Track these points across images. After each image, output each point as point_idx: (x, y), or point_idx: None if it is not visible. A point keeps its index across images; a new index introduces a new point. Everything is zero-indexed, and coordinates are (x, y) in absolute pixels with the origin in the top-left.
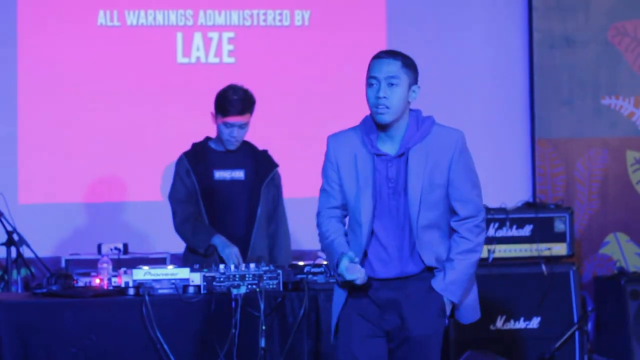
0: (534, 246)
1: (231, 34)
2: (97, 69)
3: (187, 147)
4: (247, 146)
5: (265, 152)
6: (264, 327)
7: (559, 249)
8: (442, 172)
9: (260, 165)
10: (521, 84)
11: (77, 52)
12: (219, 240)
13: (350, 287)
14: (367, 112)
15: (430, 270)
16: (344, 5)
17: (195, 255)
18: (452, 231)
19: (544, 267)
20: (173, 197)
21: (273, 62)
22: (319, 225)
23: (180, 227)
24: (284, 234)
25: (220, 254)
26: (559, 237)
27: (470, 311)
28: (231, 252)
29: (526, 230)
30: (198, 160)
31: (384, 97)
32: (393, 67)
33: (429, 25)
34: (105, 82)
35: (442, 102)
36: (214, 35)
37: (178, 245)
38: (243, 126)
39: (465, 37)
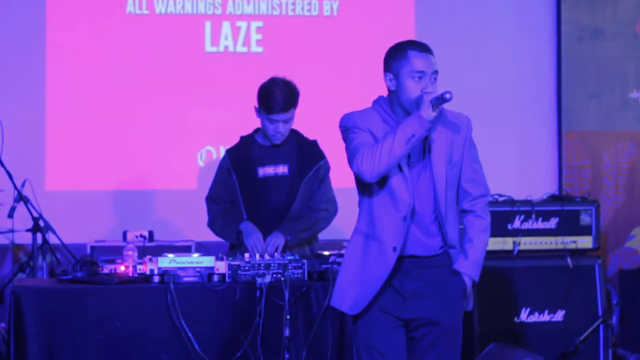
0: (560, 239)
1: (259, 24)
2: (126, 56)
3: (213, 136)
4: (294, 137)
5: (313, 143)
6: (288, 317)
7: (585, 242)
8: (458, 151)
9: (305, 159)
10: (549, 76)
11: (105, 40)
12: (244, 226)
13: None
14: None
15: (446, 252)
16: None
17: (236, 247)
18: (461, 213)
19: (569, 260)
20: (209, 197)
21: (301, 52)
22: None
23: (213, 224)
24: (306, 213)
25: (244, 240)
26: (585, 230)
27: (471, 299)
28: (251, 238)
29: (552, 223)
30: (241, 157)
31: (429, 91)
32: (434, 62)
33: (458, 15)
34: (134, 70)
35: (469, 92)
36: (243, 24)
37: (203, 234)
38: (288, 120)
39: (494, 28)
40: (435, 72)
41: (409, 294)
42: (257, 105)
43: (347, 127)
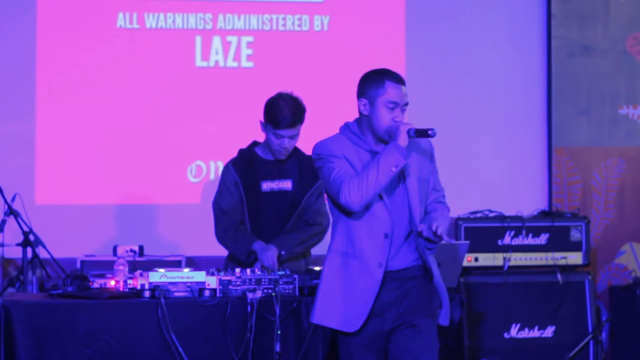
0: (550, 255)
1: (250, 38)
2: (116, 71)
3: (204, 150)
4: (295, 153)
5: (312, 158)
6: (279, 332)
7: (575, 257)
8: (426, 169)
9: (307, 175)
10: (539, 92)
11: (96, 54)
12: (259, 246)
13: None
14: None
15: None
16: (363, 11)
17: (236, 262)
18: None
19: (559, 276)
20: (217, 205)
21: (291, 67)
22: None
23: (222, 236)
24: (301, 227)
25: (259, 257)
26: (575, 246)
27: (447, 314)
28: (267, 254)
29: (542, 239)
30: (246, 170)
31: (400, 121)
32: (406, 94)
33: (448, 31)
34: (124, 85)
35: (459, 108)
36: (233, 39)
37: (194, 249)
38: (294, 137)
39: (484, 44)
40: (406, 104)
41: (385, 307)
42: (262, 120)
43: (322, 156)
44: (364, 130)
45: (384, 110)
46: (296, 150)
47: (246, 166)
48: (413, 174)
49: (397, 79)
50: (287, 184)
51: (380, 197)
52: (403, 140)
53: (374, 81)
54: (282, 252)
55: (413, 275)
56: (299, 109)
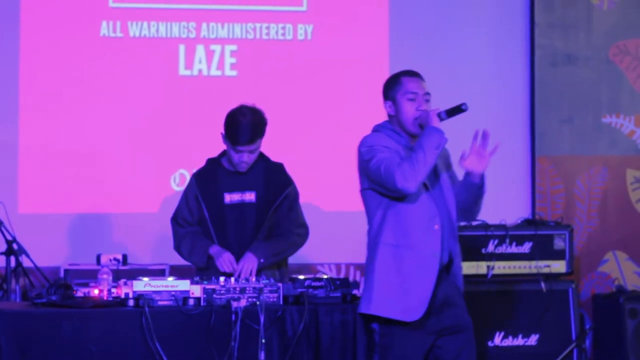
0: (533, 263)
1: (234, 47)
2: (99, 80)
3: (187, 159)
4: (262, 162)
5: (280, 167)
6: (263, 341)
7: (558, 266)
8: (449, 169)
9: (273, 186)
10: (522, 101)
11: (80, 63)
12: (214, 250)
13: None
14: (369, 122)
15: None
16: (347, 20)
17: (203, 270)
18: None
19: (542, 285)
20: (175, 220)
21: (275, 76)
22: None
23: (179, 247)
24: (279, 235)
25: (216, 263)
26: (558, 255)
27: None
28: (223, 258)
29: (525, 247)
30: (208, 182)
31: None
32: (426, 86)
33: (431, 40)
34: (107, 94)
35: None
36: (217, 47)
37: (177, 257)
38: (254, 151)
39: (467, 52)
40: (427, 93)
41: (439, 304)
42: (223, 132)
43: (374, 146)
44: (397, 128)
45: (406, 103)
46: (262, 157)
47: (209, 177)
48: (445, 174)
49: (413, 73)
50: (250, 196)
51: (427, 188)
52: (436, 122)
53: (391, 81)
54: (262, 260)
55: (455, 272)
56: (259, 124)
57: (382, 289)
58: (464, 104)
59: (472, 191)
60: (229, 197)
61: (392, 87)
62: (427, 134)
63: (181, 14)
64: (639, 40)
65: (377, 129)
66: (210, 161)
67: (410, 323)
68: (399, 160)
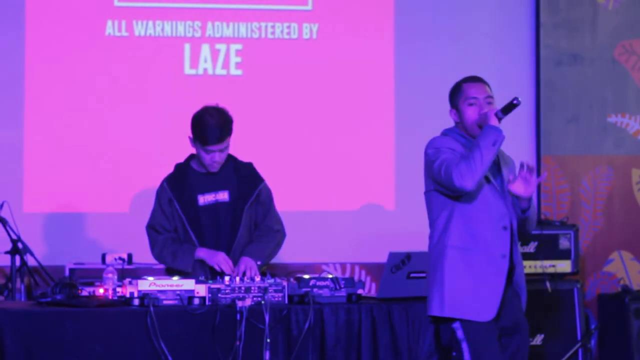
0: (539, 263)
1: (239, 46)
2: (105, 79)
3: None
4: (230, 162)
5: (249, 166)
6: (268, 340)
7: (564, 266)
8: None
9: (244, 184)
10: (527, 100)
11: (85, 62)
12: (203, 253)
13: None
14: (374, 121)
15: None
16: (352, 19)
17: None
18: None
19: (548, 284)
20: (152, 228)
21: (280, 75)
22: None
23: (160, 255)
24: (265, 236)
25: (209, 264)
26: (564, 254)
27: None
28: (219, 259)
29: (531, 247)
30: (181, 186)
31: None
32: (488, 89)
33: (437, 39)
34: (113, 93)
35: (447, 116)
36: (222, 47)
37: None
38: (224, 150)
39: (473, 52)
40: (489, 97)
41: (502, 303)
42: (191, 136)
43: (439, 147)
44: (463, 134)
45: (468, 109)
46: (231, 158)
47: (180, 181)
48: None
49: (473, 79)
50: (224, 195)
51: (495, 187)
52: (493, 121)
53: (454, 90)
54: (259, 262)
55: (519, 272)
56: (226, 123)
57: (453, 291)
58: (515, 98)
59: (517, 214)
60: (203, 199)
61: (454, 95)
62: (484, 132)
63: (186, 13)
64: None
65: (445, 132)
66: (179, 166)
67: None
68: (455, 160)
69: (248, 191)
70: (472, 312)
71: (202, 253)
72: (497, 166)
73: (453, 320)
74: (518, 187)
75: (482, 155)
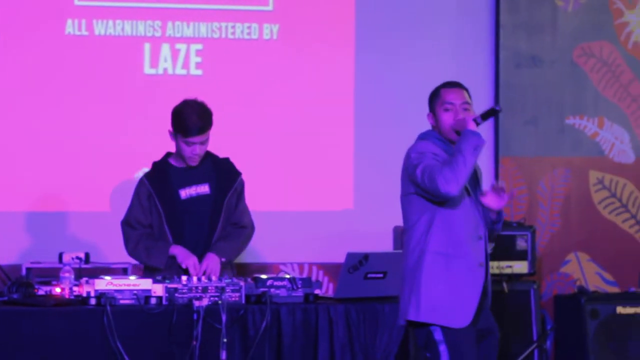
0: (496, 264)
1: (199, 46)
2: (64, 78)
3: (151, 158)
4: (208, 157)
5: (227, 160)
6: (225, 340)
7: (520, 267)
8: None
9: (224, 177)
10: (486, 102)
11: (44, 61)
12: (177, 250)
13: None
14: (333, 121)
15: None
16: (313, 20)
17: (154, 270)
18: None
19: (504, 285)
20: (127, 223)
21: (240, 75)
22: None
23: (134, 251)
24: (233, 232)
25: (181, 264)
26: (521, 255)
27: None
28: (188, 263)
29: (488, 248)
30: (161, 181)
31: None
32: (466, 95)
33: (397, 40)
34: (72, 91)
35: (406, 117)
36: (182, 46)
37: None
38: (204, 142)
39: (433, 53)
40: (466, 102)
41: (478, 308)
42: (171, 129)
43: (423, 152)
44: (440, 137)
45: (444, 114)
46: (209, 154)
47: (161, 177)
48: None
49: (451, 84)
50: (205, 188)
51: (469, 194)
52: (472, 126)
53: (432, 95)
54: (223, 259)
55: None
56: (207, 115)
57: (430, 296)
58: (497, 104)
59: (487, 225)
60: (184, 193)
61: (432, 100)
62: (464, 137)
63: (147, 13)
64: (604, 42)
65: (423, 136)
66: (156, 163)
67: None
68: (441, 165)
69: (227, 183)
70: (448, 318)
71: (176, 250)
72: (473, 174)
73: (428, 325)
74: (490, 200)
75: (465, 161)
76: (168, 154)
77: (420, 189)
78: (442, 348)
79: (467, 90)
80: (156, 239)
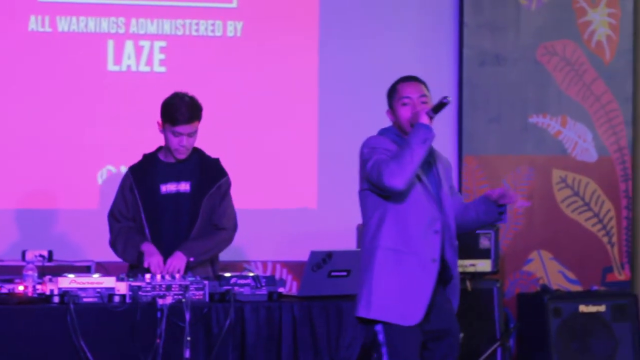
0: (459, 262)
1: (163, 43)
2: (27, 74)
3: (114, 155)
4: (197, 155)
5: (216, 161)
6: (189, 338)
7: (484, 265)
8: (450, 178)
9: (207, 176)
10: (451, 101)
11: (7, 57)
12: (146, 248)
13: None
14: (297, 119)
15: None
16: (277, 17)
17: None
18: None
19: (468, 283)
20: (112, 215)
21: (204, 72)
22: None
23: (113, 244)
24: (208, 233)
25: (144, 262)
26: (484, 254)
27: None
28: (152, 261)
29: None
30: (144, 174)
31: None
32: (423, 88)
33: (361, 38)
34: (35, 88)
35: (370, 114)
36: (146, 43)
37: (103, 254)
38: (192, 134)
39: (396, 51)
40: (423, 95)
41: (431, 305)
42: (160, 121)
43: (376, 147)
44: (399, 134)
45: (401, 108)
46: (198, 151)
47: (145, 170)
48: (444, 181)
49: (408, 78)
50: (185, 186)
51: (429, 190)
52: (424, 119)
53: (389, 91)
54: (191, 259)
55: (454, 275)
56: (196, 107)
57: (381, 293)
58: (445, 97)
59: (493, 217)
60: (165, 188)
61: (390, 96)
62: (414, 130)
63: (110, 9)
64: (567, 41)
65: (382, 132)
66: (146, 155)
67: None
68: (388, 159)
69: (208, 183)
70: (397, 315)
71: (145, 247)
72: (429, 166)
73: (376, 322)
74: (496, 195)
75: (412, 154)
76: (159, 148)
77: (371, 184)
78: (384, 350)
79: (424, 83)
80: (136, 233)
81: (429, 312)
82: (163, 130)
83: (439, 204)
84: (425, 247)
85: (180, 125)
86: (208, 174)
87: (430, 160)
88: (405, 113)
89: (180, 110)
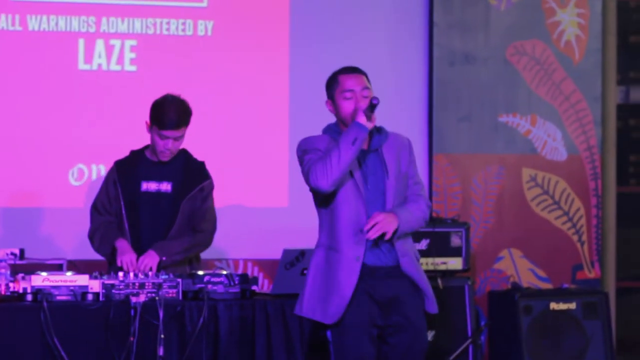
0: (431, 260)
1: (133, 42)
2: None
3: (85, 154)
4: (182, 156)
5: (201, 164)
6: (162, 336)
7: (455, 263)
8: (404, 166)
9: (190, 178)
10: (420, 99)
11: None
12: (119, 244)
13: None
14: (268, 119)
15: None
16: (248, 17)
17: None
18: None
19: (439, 281)
20: (93, 207)
21: (175, 71)
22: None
23: (91, 237)
24: (184, 234)
25: (116, 258)
26: (455, 252)
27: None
28: (123, 259)
29: (422, 244)
30: (129, 169)
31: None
32: (365, 81)
33: (331, 37)
34: (4, 87)
35: None
36: (117, 42)
37: (74, 252)
38: (178, 138)
39: (366, 50)
40: (366, 88)
41: (384, 302)
42: (148, 121)
43: (307, 149)
44: (340, 130)
45: (343, 102)
46: (184, 152)
47: (130, 165)
48: (391, 168)
49: (350, 69)
50: (166, 187)
51: (359, 189)
52: (359, 118)
53: (329, 81)
54: (163, 258)
55: (400, 273)
56: (185, 112)
57: (312, 291)
58: (374, 98)
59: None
60: (146, 185)
61: (330, 86)
62: (347, 130)
63: (81, 8)
64: (536, 41)
65: (324, 130)
66: (133, 152)
67: (355, 319)
68: (316, 160)
69: (190, 185)
70: (321, 314)
71: (119, 244)
72: (364, 157)
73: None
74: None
75: (339, 155)
76: (147, 146)
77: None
78: (331, 347)
79: (365, 74)
80: (114, 229)
81: (387, 307)
82: (150, 130)
83: (371, 201)
84: (349, 244)
85: (168, 130)
86: (191, 176)
87: (369, 151)
88: (348, 107)
89: (168, 115)
